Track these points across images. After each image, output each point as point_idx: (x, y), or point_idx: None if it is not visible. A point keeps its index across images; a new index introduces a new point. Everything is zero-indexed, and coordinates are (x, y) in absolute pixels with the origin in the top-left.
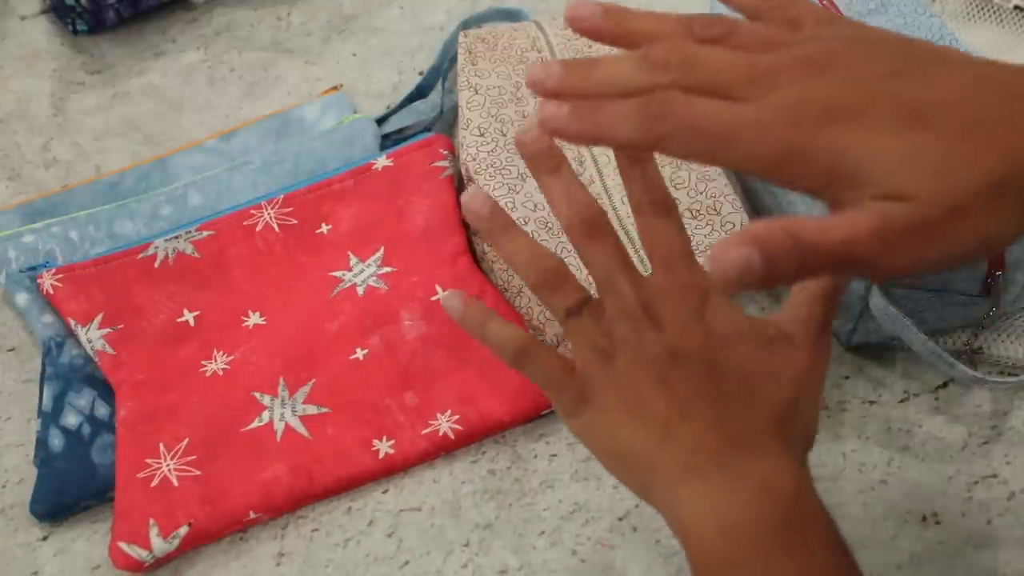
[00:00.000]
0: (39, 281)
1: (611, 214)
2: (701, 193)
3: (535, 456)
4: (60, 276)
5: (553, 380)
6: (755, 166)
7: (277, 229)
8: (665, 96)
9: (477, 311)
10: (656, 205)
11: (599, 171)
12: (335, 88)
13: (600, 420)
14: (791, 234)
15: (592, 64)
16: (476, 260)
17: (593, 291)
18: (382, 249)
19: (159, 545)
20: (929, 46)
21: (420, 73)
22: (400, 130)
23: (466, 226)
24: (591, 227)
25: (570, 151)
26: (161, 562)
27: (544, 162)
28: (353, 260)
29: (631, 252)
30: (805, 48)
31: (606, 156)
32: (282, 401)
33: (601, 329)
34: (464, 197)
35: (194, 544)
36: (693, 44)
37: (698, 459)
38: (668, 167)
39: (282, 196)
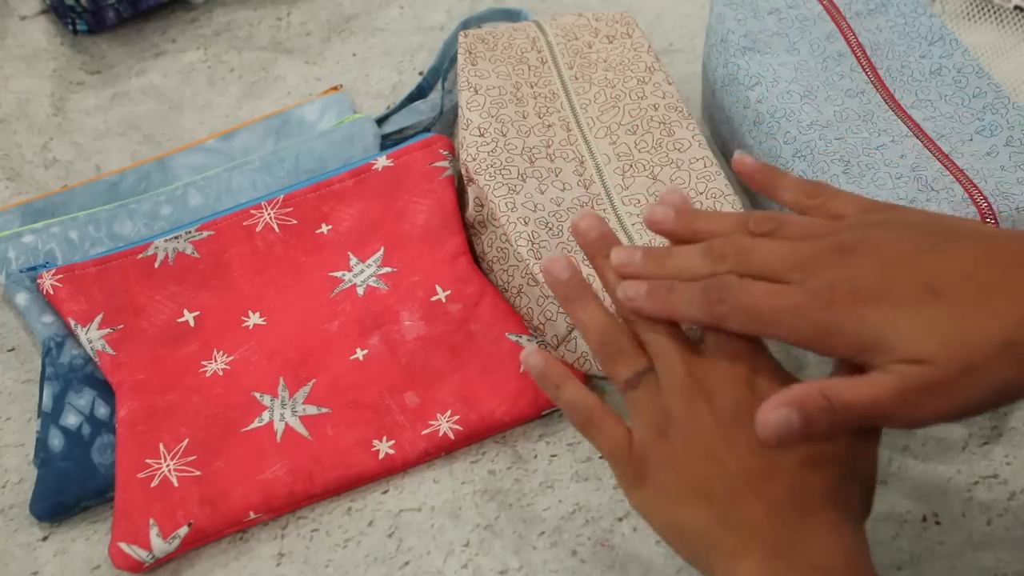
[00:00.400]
0: (39, 281)
1: (611, 214)
2: (701, 193)
3: (535, 456)
4: (60, 276)
5: (615, 453)
6: (797, 341)
7: (277, 229)
8: (723, 281)
9: (556, 371)
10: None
11: (599, 171)
12: (335, 88)
13: (657, 498)
14: (826, 395)
15: (667, 253)
16: (476, 260)
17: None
18: (382, 249)
19: (159, 545)
20: (948, 222)
21: (420, 73)
22: (400, 130)
23: (466, 226)
24: (633, 318)
25: (570, 150)
26: (161, 562)
27: (600, 249)
28: (353, 260)
29: None
30: (840, 236)
31: (606, 156)
32: (282, 401)
33: (658, 403)
34: (544, 261)
35: (194, 544)
36: (748, 238)
37: (752, 541)
38: (668, 167)
39: (282, 196)
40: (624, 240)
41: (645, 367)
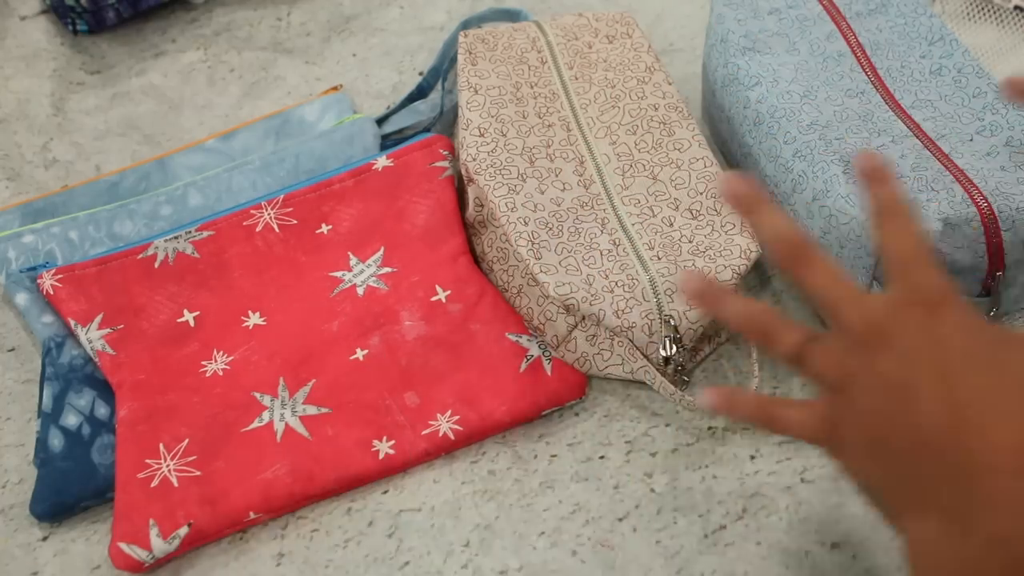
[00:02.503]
0: (39, 281)
1: (611, 214)
2: (701, 193)
3: (535, 456)
4: (60, 276)
5: (806, 431)
6: None
7: (277, 229)
8: None
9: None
10: (891, 208)
11: (599, 171)
12: (335, 88)
13: (844, 460)
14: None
15: None
16: (476, 260)
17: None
18: (382, 249)
19: (159, 546)
20: None
21: (420, 73)
22: (400, 130)
23: (466, 226)
24: (799, 254)
25: (570, 150)
26: (161, 562)
27: (746, 204)
28: (353, 260)
29: (629, 250)
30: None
31: (606, 156)
32: (282, 401)
33: (832, 361)
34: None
35: (194, 544)
36: None
37: (928, 500)
38: (668, 167)
39: (282, 196)
40: (624, 240)
41: (810, 333)
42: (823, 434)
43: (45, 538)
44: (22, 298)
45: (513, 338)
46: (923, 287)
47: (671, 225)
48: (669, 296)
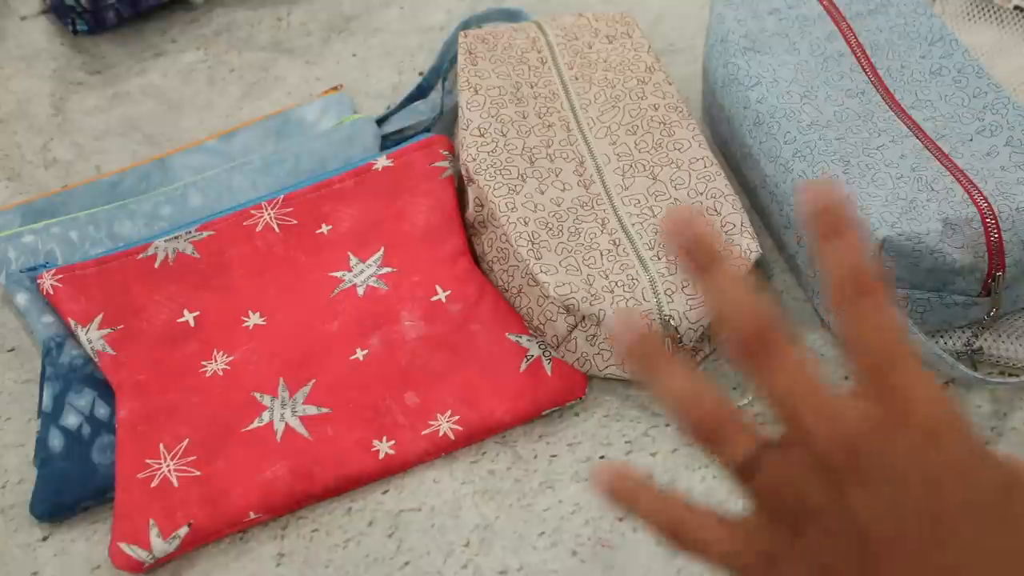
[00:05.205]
0: (39, 281)
1: (611, 214)
2: (701, 193)
3: (535, 456)
4: (60, 276)
5: (727, 559)
6: None
7: (277, 229)
8: None
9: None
10: (856, 280)
11: (599, 171)
12: (335, 88)
13: None
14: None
15: None
16: (476, 260)
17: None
18: (382, 249)
19: (159, 546)
20: None
21: (420, 73)
22: (400, 130)
23: (466, 226)
24: (758, 338)
25: (570, 150)
26: (161, 562)
27: (699, 258)
28: (353, 260)
29: (629, 250)
30: None
31: (606, 156)
32: (282, 401)
33: (788, 485)
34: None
35: (194, 544)
36: None
37: None
38: (668, 167)
39: (282, 196)
40: (624, 240)
41: (761, 440)
42: (752, 570)
43: (45, 538)
44: (22, 298)
45: (513, 338)
46: (913, 400)
47: None
48: (669, 296)
